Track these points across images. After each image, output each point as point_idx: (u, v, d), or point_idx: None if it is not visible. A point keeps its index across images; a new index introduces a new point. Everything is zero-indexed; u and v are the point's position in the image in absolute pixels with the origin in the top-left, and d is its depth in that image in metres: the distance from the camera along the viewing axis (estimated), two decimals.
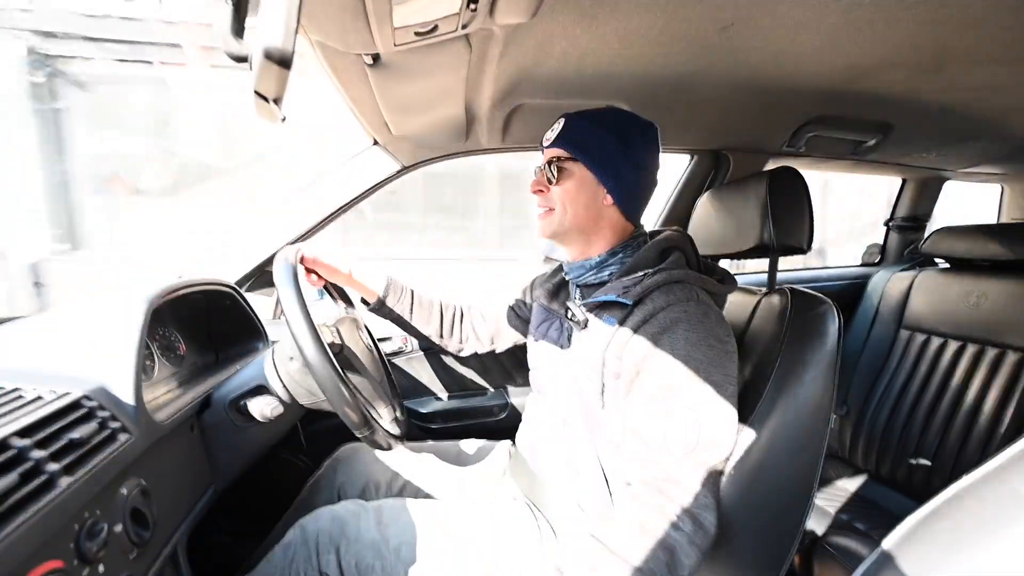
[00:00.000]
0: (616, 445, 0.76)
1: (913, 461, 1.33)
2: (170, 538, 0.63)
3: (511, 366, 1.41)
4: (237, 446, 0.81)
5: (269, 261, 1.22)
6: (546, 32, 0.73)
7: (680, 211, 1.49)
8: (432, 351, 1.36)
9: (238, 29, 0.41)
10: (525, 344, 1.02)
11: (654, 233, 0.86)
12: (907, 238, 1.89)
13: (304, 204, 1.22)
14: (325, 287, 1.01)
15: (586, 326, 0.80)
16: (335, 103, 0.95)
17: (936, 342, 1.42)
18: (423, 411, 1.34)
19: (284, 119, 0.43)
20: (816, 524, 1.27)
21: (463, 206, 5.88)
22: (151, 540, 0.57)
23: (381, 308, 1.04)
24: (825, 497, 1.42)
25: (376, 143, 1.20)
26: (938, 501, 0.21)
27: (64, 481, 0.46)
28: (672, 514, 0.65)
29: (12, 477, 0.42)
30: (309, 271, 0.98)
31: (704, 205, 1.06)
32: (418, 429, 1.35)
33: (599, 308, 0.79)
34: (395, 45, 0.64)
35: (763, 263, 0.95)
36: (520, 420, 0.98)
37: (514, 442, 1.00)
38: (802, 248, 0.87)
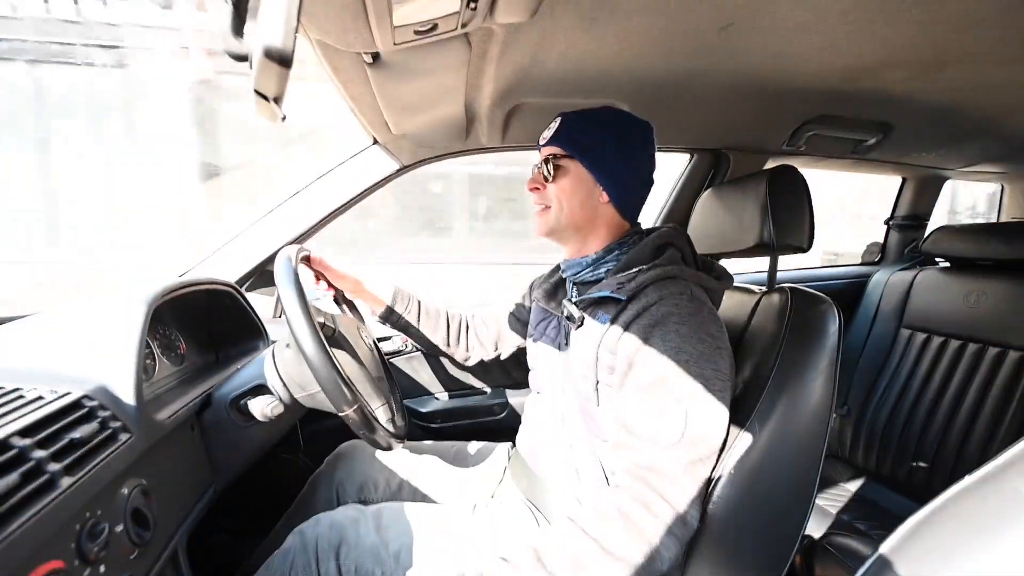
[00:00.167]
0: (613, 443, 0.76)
1: (914, 464, 1.34)
2: (170, 538, 0.63)
3: (511, 366, 1.41)
4: (237, 445, 0.81)
5: (269, 261, 1.22)
6: (546, 31, 0.73)
7: (680, 210, 1.49)
8: None
9: (238, 28, 0.41)
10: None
11: (650, 230, 0.86)
12: (907, 237, 1.89)
13: (304, 203, 1.22)
14: (335, 298, 1.02)
15: (582, 324, 0.80)
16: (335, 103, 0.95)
17: (936, 341, 1.42)
18: (423, 410, 1.34)
19: (284, 118, 0.43)
20: (817, 524, 1.27)
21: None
22: (151, 540, 0.57)
23: (390, 316, 1.05)
24: (826, 497, 1.42)
25: (376, 142, 1.20)
26: (939, 501, 0.21)
27: (65, 481, 0.46)
28: (653, 504, 0.64)
29: (13, 477, 0.42)
30: (318, 277, 0.99)
31: (704, 204, 1.06)
32: (418, 429, 1.35)
33: (594, 305, 0.80)
34: (395, 44, 0.64)
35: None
36: (520, 420, 0.98)
37: (514, 443, 1.00)
38: (802, 247, 0.87)
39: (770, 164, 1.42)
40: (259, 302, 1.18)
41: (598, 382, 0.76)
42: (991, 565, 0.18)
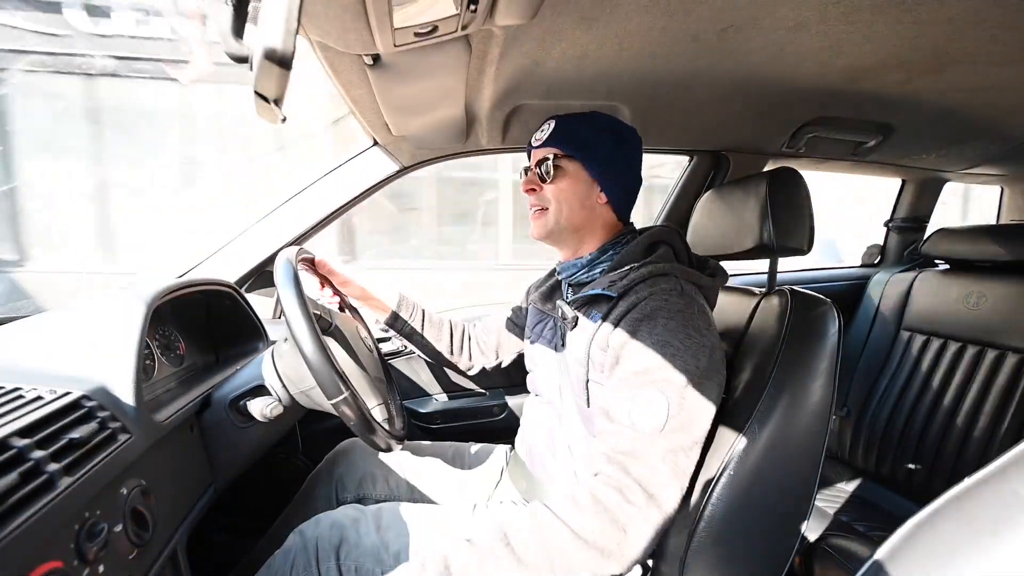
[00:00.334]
0: None
1: (910, 466, 1.34)
2: (170, 538, 0.63)
3: (511, 368, 1.41)
4: (237, 446, 0.81)
5: (269, 261, 1.22)
6: (546, 33, 0.73)
7: (680, 212, 1.49)
8: None
9: (238, 29, 0.41)
10: None
11: (643, 230, 0.86)
12: (907, 239, 1.90)
13: (304, 204, 1.22)
14: (340, 305, 1.02)
15: (576, 324, 0.80)
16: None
17: (936, 343, 1.42)
18: (422, 411, 1.34)
19: (284, 119, 0.43)
20: (816, 525, 1.27)
21: None
22: (151, 540, 0.57)
23: (395, 322, 1.05)
24: (825, 498, 1.42)
25: (376, 143, 1.20)
26: (938, 503, 0.21)
27: (64, 481, 0.46)
28: (628, 489, 0.64)
29: (12, 477, 0.42)
30: (323, 283, 0.99)
31: (704, 206, 1.06)
32: (417, 429, 1.35)
33: (587, 305, 0.80)
34: (395, 46, 0.64)
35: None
36: (519, 422, 0.98)
37: (513, 445, 1.00)
38: (802, 249, 0.87)
39: (770, 166, 1.42)
40: (259, 303, 1.18)
41: (588, 380, 0.76)
42: (991, 568, 0.18)
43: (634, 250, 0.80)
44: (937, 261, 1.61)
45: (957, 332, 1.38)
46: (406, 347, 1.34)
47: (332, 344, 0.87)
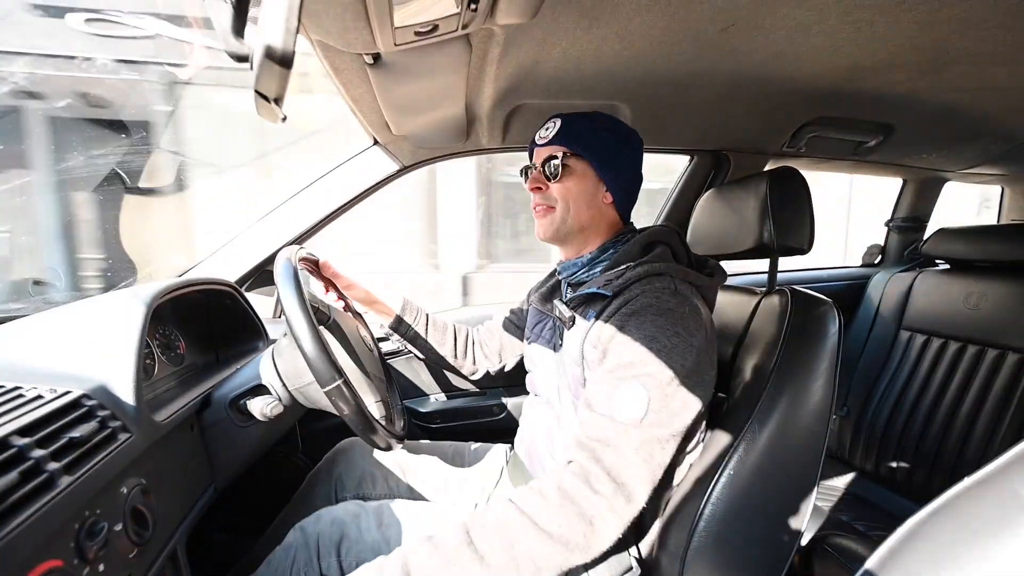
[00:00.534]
0: None
1: (904, 464, 1.33)
2: (170, 537, 0.63)
3: (512, 369, 1.42)
4: (237, 445, 0.81)
5: (269, 261, 1.22)
6: (546, 32, 0.73)
7: (680, 212, 1.49)
8: None
9: (239, 28, 0.41)
10: None
11: (642, 229, 0.86)
12: (907, 239, 1.90)
13: (304, 204, 1.22)
14: (344, 308, 1.02)
15: (573, 323, 0.80)
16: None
17: (936, 343, 1.42)
18: (422, 411, 1.34)
19: (284, 119, 0.43)
20: (816, 525, 1.27)
21: None
22: (151, 539, 0.57)
23: (399, 326, 1.05)
24: (825, 498, 1.42)
25: (376, 143, 1.20)
26: (938, 503, 0.21)
27: (64, 480, 0.46)
28: (596, 479, 0.62)
29: (12, 476, 0.42)
30: (328, 286, 0.99)
31: (704, 205, 1.06)
32: (417, 429, 1.35)
33: (584, 304, 0.80)
34: (395, 45, 0.64)
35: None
36: (518, 421, 0.98)
37: (512, 445, 1.01)
38: (802, 249, 0.88)
39: (770, 165, 1.42)
40: (259, 302, 1.18)
41: (584, 380, 0.76)
42: (991, 568, 0.18)
43: (631, 249, 0.80)
44: (937, 261, 1.61)
45: (957, 332, 1.38)
46: (407, 348, 1.35)
47: (330, 338, 0.87)
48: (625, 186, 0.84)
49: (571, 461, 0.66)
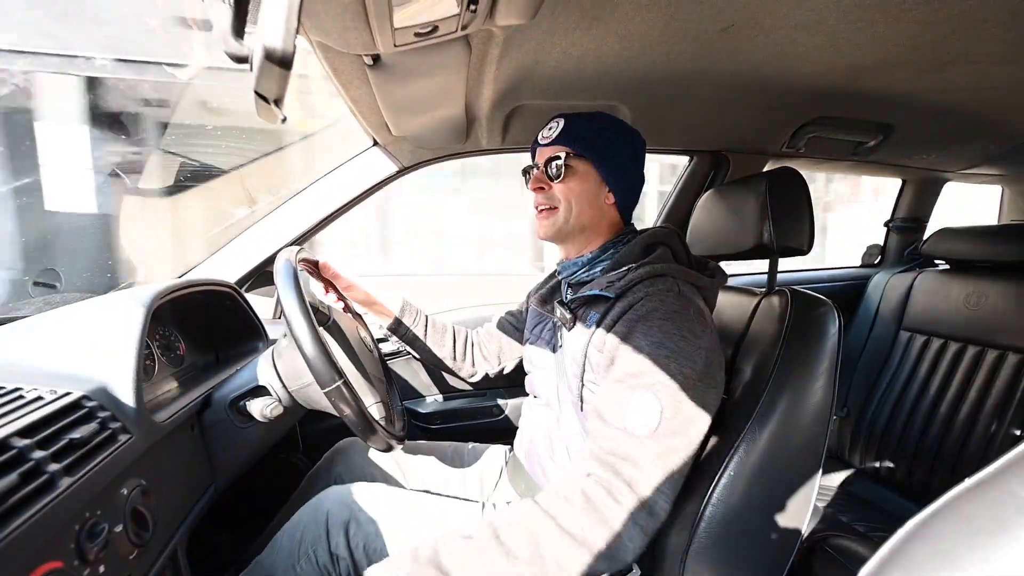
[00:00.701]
0: None
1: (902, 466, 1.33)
2: (170, 538, 0.63)
3: (512, 370, 1.42)
4: (237, 446, 0.81)
5: (269, 261, 1.22)
6: (546, 33, 0.73)
7: (679, 212, 1.49)
8: None
9: (238, 29, 0.41)
10: None
11: (643, 230, 0.86)
12: (907, 239, 1.90)
13: (304, 205, 1.22)
14: (344, 310, 1.02)
15: (573, 324, 0.80)
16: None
17: (936, 343, 1.42)
18: (422, 411, 1.34)
19: (284, 120, 0.43)
20: (816, 525, 1.27)
21: None
22: (151, 540, 0.57)
23: (398, 328, 1.05)
24: (825, 499, 1.42)
25: (376, 143, 1.20)
26: (938, 504, 0.21)
27: (64, 481, 0.46)
28: (618, 491, 0.63)
29: (12, 477, 0.42)
30: (328, 287, 0.99)
31: (703, 206, 1.06)
32: (416, 429, 1.35)
33: (585, 305, 0.80)
34: (395, 46, 0.64)
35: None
36: (518, 422, 0.98)
37: (512, 446, 1.00)
38: (802, 249, 0.87)
39: (770, 166, 1.42)
40: (259, 303, 1.18)
41: (584, 384, 0.76)
42: (991, 570, 0.18)
43: (632, 250, 0.80)
44: (937, 261, 1.61)
45: (957, 332, 1.38)
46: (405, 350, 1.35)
47: (329, 339, 0.87)
48: (627, 186, 0.84)
49: (590, 474, 0.66)
